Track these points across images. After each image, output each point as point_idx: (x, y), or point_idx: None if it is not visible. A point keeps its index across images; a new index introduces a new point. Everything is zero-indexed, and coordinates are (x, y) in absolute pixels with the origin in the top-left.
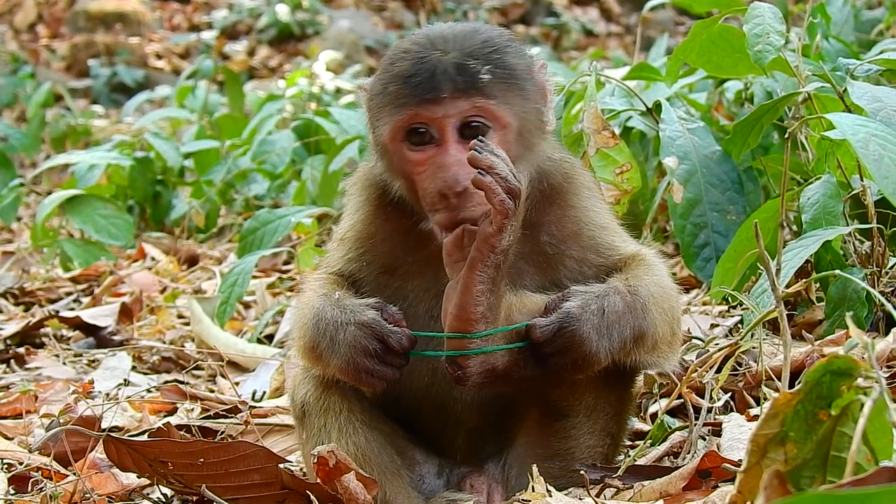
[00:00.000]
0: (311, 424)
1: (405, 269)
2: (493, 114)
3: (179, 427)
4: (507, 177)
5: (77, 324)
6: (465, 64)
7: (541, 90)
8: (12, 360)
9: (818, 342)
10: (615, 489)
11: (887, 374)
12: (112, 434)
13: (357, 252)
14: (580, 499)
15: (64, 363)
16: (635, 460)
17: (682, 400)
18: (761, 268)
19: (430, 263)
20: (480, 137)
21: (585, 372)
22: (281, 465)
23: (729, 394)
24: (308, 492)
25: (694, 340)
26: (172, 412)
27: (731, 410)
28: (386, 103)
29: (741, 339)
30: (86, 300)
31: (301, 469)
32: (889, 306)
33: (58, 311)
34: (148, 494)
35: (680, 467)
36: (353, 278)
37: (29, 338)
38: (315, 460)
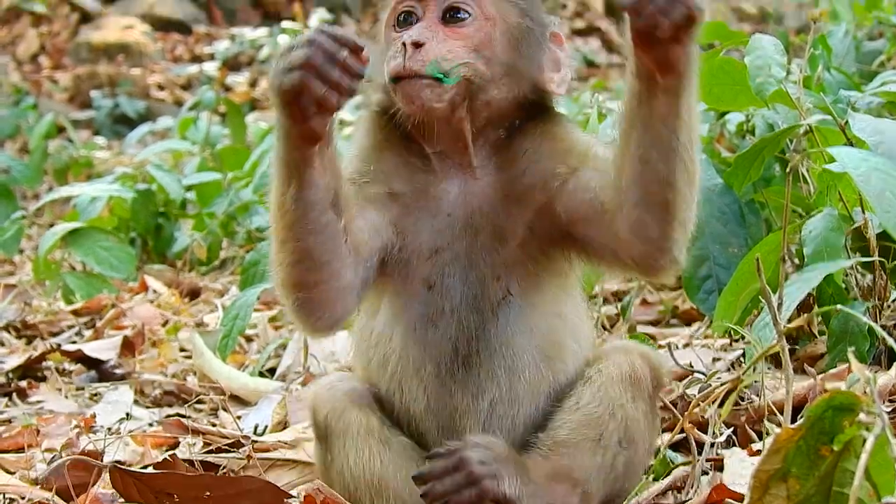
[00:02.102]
0: (332, 446)
1: (406, 199)
2: (476, 3)
3: (182, 461)
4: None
5: (79, 357)
6: None
7: (543, 40)
8: (14, 394)
9: (820, 376)
10: None
11: (890, 409)
12: (119, 465)
13: (361, 172)
14: None
15: (66, 397)
16: (637, 495)
17: (684, 434)
18: (763, 301)
19: (432, 203)
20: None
21: None
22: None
23: (731, 428)
24: None
25: (696, 374)
26: (174, 446)
27: (734, 445)
28: (384, 7)
29: (743, 374)
30: (88, 333)
31: None
32: (891, 340)
33: (60, 345)
34: None
35: (685, 502)
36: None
37: (31, 371)
38: (302, 499)
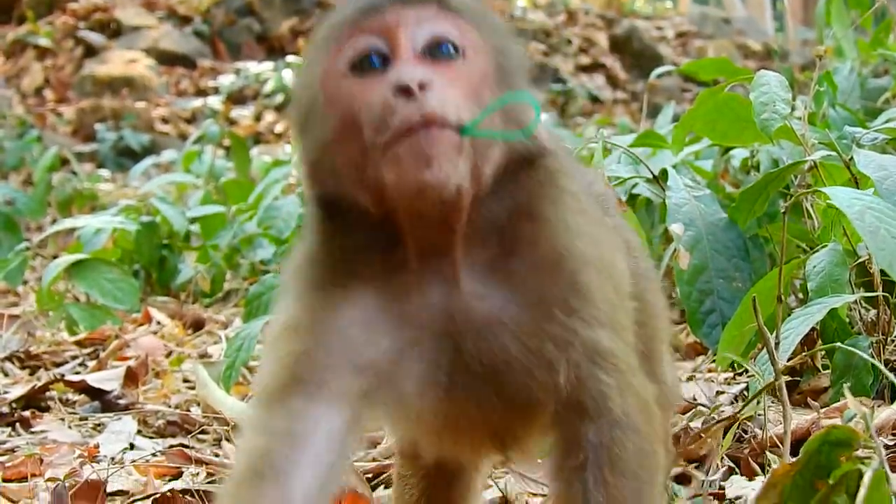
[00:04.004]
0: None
1: (387, 363)
2: (464, 33)
3: (184, 492)
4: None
5: (82, 387)
6: None
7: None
8: (17, 424)
9: (823, 409)
10: None
11: (892, 444)
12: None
13: (314, 343)
14: None
15: (69, 427)
16: None
17: (683, 466)
18: (764, 337)
19: (423, 336)
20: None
21: None
22: None
23: (733, 462)
24: None
25: (699, 407)
26: (178, 476)
27: (734, 474)
28: (319, 48)
29: (742, 409)
30: (91, 364)
31: None
32: (891, 376)
33: (63, 375)
34: None
35: None
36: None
37: (34, 401)
38: None
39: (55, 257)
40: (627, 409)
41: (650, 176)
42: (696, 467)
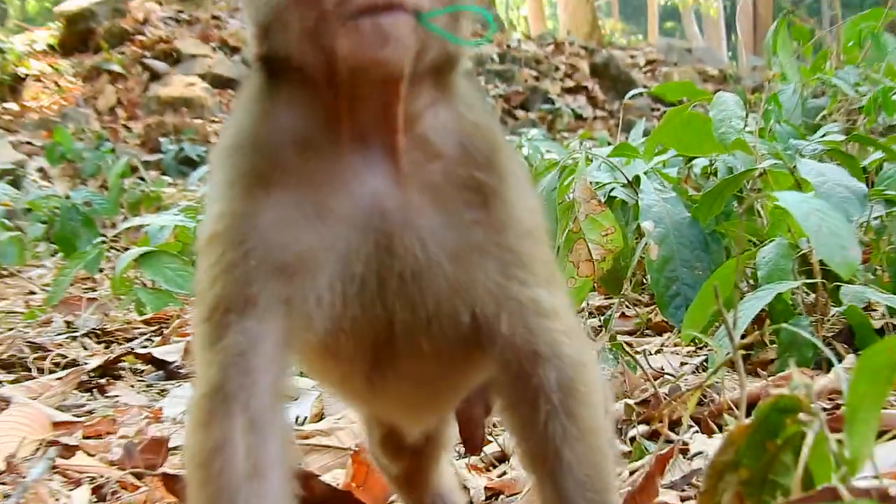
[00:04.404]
0: None
1: (305, 261)
2: None
3: None
4: None
5: (149, 359)
6: None
7: None
8: (95, 390)
9: (771, 378)
10: None
11: (829, 406)
12: (168, 472)
13: (236, 252)
14: None
15: (138, 392)
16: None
17: (652, 426)
18: (723, 317)
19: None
20: None
21: None
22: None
23: (695, 422)
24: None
25: (666, 376)
26: None
27: (696, 432)
28: None
29: (709, 378)
30: (156, 339)
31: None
32: (827, 351)
33: (133, 349)
34: None
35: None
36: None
37: (109, 371)
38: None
39: (126, 249)
40: (578, 349)
41: (625, 181)
42: (668, 425)
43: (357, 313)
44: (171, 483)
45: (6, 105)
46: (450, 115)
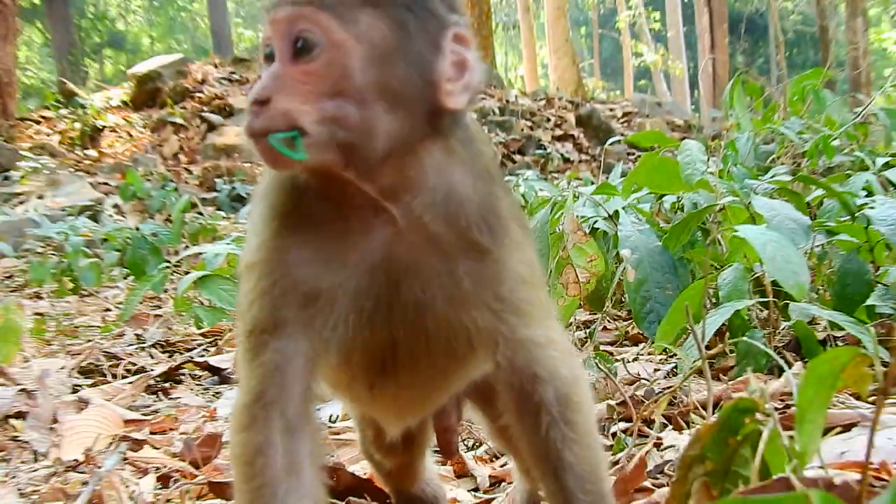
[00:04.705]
0: None
1: (328, 292)
2: (323, 27)
3: None
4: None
5: (205, 366)
6: None
7: (437, 44)
8: (160, 392)
9: (731, 383)
10: None
11: (781, 406)
12: (213, 481)
13: (269, 281)
14: None
15: (196, 395)
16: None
17: (631, 424)
18: (691, 330)
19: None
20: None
21: None
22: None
23: (666, 419)
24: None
25: (642, 380)
26: None
27: (668, 428)
28: None
29: (682, 382)
30: (212, 350)
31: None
32: (779, 359)
33: (192, 358)
34: None
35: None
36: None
37: (172, 376)
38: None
39: (187, 273)
40: (571, 368)
41: (606, 215)
42: (644, 423)
43: (367, 336)
44: (218, 488)
45: (87, 152)
46: (442, 180)
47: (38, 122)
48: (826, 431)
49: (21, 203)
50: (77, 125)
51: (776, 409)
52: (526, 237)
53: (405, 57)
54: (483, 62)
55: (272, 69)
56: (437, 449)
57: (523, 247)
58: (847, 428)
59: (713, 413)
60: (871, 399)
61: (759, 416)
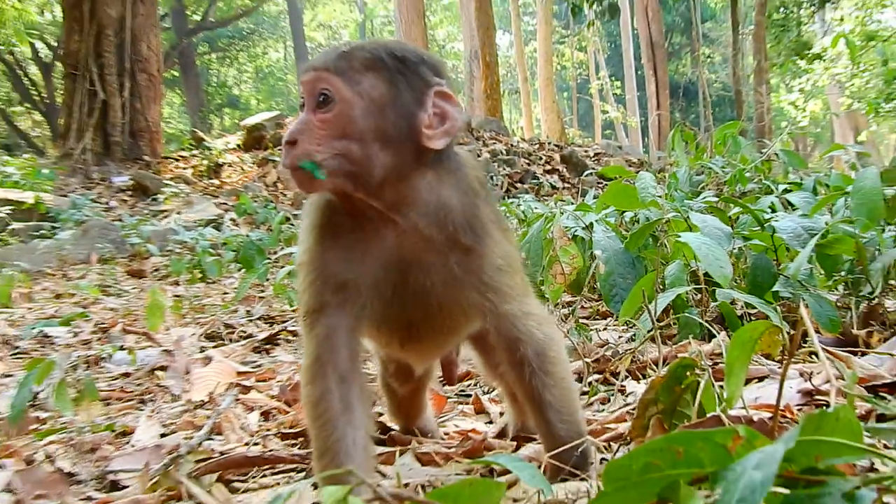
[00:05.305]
0: None
1: (355, 282)
2: (335, 87)
3: None
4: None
5: (296, 333)
6: (342, 49)
7: (421, 100)
8: (263, 352)
9: (675, 346)
10: None
11: (712, 364)
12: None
13: (313, 275)
14: None
15: (289, 354)
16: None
17: (601, 375)
18: (646, 308)
19: (375, 264)
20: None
21: None
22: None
23: (628, 373)
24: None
25: (609, 344)
26: None
27: (629, 379)
28: None
29: (639, 346)
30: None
31: None
32: (711, 328)
33: (286, 327)
34: None
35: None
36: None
37: (272, 340)
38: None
39: (282, 267)
40: (546, 331)
41: (584, 225)
42: (611, 375)
43: (388, 313)
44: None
45: (211, 181)
46: (433, 197)
47: (177, 160)
48: (746, 382)
49: (165, 217)
50: (205, 162)
51: (709, 365)
52: (505, 237)
53: (396, 109)
54: (464, 113)
55: (300, 117)
56: (442, 378)
57: (502, 244)
58: (761, 380)
59: (663, 368)
60: (778, 358)
61: (697, 370)
